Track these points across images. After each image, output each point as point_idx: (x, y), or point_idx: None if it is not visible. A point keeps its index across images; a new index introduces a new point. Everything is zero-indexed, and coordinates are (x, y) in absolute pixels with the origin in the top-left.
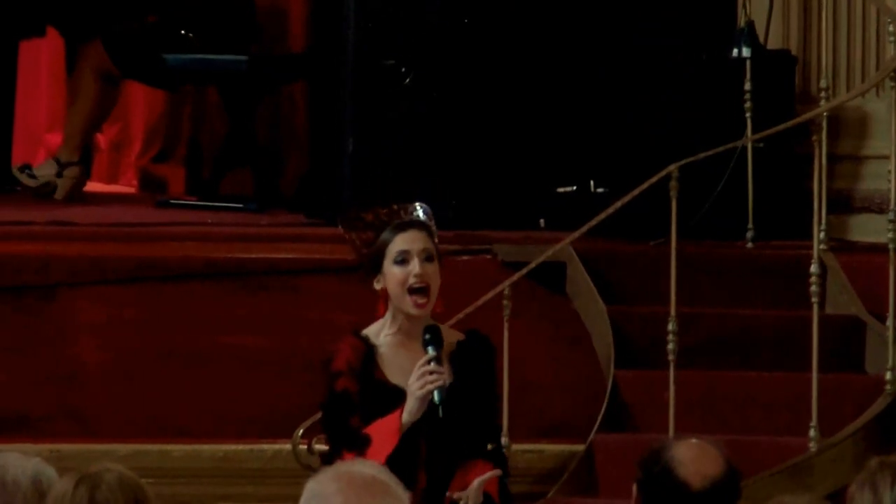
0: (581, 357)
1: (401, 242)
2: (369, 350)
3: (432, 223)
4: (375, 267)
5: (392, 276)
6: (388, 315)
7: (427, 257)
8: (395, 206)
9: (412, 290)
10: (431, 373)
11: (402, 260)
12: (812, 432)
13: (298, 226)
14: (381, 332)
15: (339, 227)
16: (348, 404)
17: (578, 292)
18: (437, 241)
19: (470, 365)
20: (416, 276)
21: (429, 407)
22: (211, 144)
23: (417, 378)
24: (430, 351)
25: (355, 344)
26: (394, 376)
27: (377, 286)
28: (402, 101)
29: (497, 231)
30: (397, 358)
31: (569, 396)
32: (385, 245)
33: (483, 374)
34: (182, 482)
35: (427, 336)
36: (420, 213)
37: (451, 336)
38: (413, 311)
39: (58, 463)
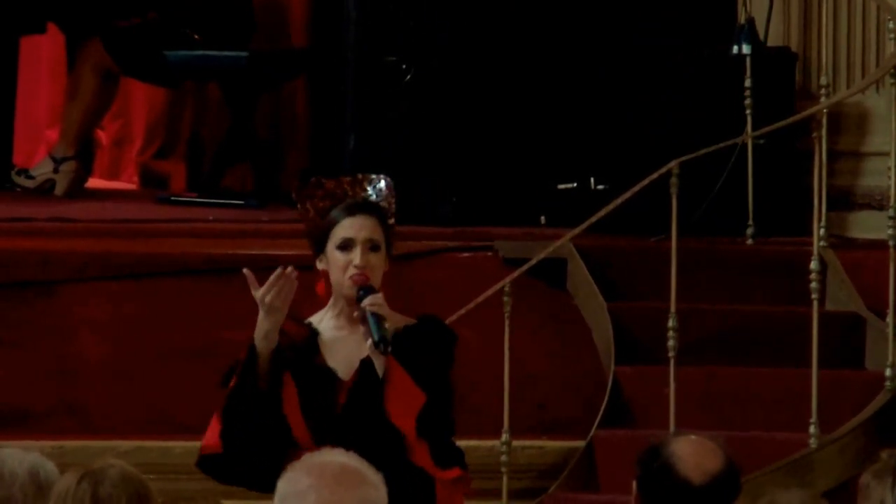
0: (581, 353)
1: (346, 227)
2: (311, 336)
3: (392, 201)
4: (320, 246)
5: (334, 260)
6: (331, 300)
7: (372, 247)
8: (360, 176)
9: (352, 280)
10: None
11: (346, 246)
12: (812, 428)
13: (299, 222)
14: (323, 318)
15: (293, 195)
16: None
17: (579, 289)
18: (392, 221)
19: (415, 349)
20: (356, 266)
21: (362, 375)
22: (212, 141)
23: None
24: (363, 298)
25: (297, 324)
26: (333, 360)
27: (319, 266)
28: (403, 97)
29: (498, 228)
30: (338, 342)
31: (569, 392)
32: (331, 226)
33: (432, 361)
34: (184, 478)
35: (361, 292)
36: (382, 185)
37: (398, 321)
38: (351, 293)
39: (59, 459)
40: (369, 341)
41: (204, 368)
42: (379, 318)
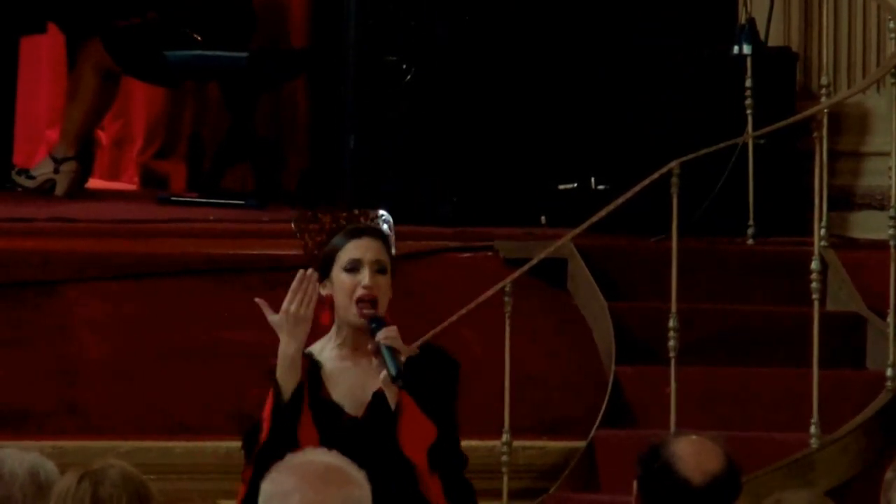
0: (582, 353)
1: (353, 250)
2: (313, 368)
3: (392, 234)
4: (324, 272)
5: (340, 283)
6: (333, 328)
7: (380, 269)
8: (357, 212)
9: (359, 301)
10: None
11: (353, 268)
12: (813, 428)
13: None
14: (325, 348)
15: (292, 225)
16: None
17: (579, 289)
18: (393, 253)
19: (422, 382)
20: (364, 287)
21: (374, 409)
22: (212, 141)
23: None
24: (376, 330)
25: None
26: (336, 393)
27: (323, 292)
28: (403, 97)
29: (498, 228)
30: (342, 374)
31: (570, 393)
32: (336, 250)
33: (439, 394)
34: (184, 479)
35: (374, 325)
36: (381, 221)
37: (405, 353)
38: (357, 321)
39: (59, 459)
40: (383, 374)
41: (204, 369)
42: (394, 352)
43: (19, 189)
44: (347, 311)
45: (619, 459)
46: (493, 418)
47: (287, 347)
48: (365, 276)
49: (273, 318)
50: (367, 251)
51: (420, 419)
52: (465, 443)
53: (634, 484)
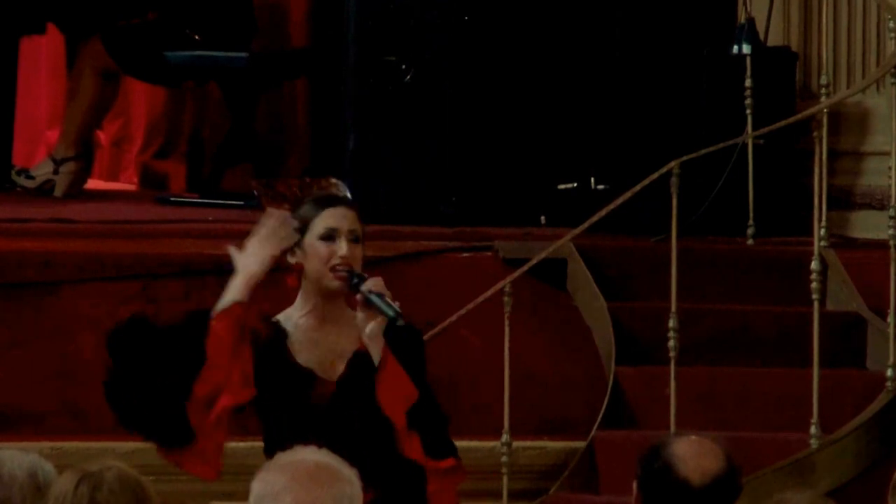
0: (582, 353)
1: (329, 218)
2: (279, 335)
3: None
4: (294, 241)
5: (315, 251)
6: (299, 299)
7: (354, 238)
8: (308, 180)
9: (335, 269)
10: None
11: (329, 237)
12: (813, 429)
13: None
14: (292, 315)
15: (254, 192)
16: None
17: (579, 289)
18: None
19: (401, 348)
20: (342, 256)
21: (354, 368)
22: (212, 141)
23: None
24: (358, 284)
25: (265, 326)
26: (304, 359)
27: (292, 260)
28: (403, 97)
29: (498, 228)
30: (311, 342)
31: (570, 393)
32: (309, 219)
33: (408, 361)
34: (183, 480)
35: (355, 280)
36: (342, 188)
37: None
38: (333, 284)
39: (58, 460)
40: (370, 327)
41: None
42: (384, 297)
43: (18, 189)
44: (322, 277)
45: (619, 460)
46: (493, 419)
47: (253, 264)
48: (342, 246)
49: (237, 252)
50: (344, 220)
51: (402, 377)
52: (464, 443)
53: (634, 484)
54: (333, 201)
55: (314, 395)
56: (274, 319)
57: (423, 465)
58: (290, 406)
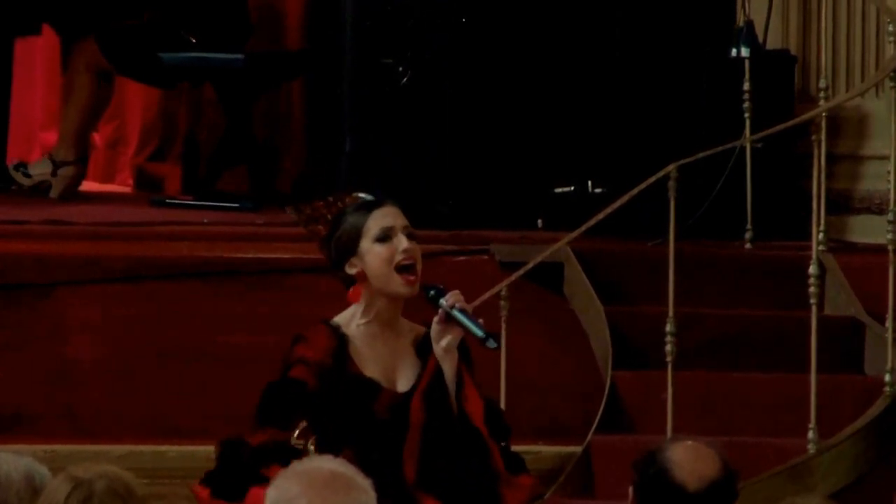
0: (579, 358)
1: (381, 219)
2: (341, 341)
3: None
4: (349, 251)
5: (375, 255)
6: (362, 302)
7: (409, 234)
8: (331, 198)
9: (400, 268)
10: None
11: (386, 236)
12: (811, 434)
13: (295, 225)
14: (352, 322)
15: (295, 218)
16: (298, 395)
17: (576, 292)
18: None
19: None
20: (404, 251)
21: (435, 381)
22: (207, 142)
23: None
24: (440, 300)
25: (328, 335)
26: (368, 369)
27: (351, 271)
28: (400, 100)
29: (494, 231)
30: (372, 350)
31: (566, 397)
32: (360, 225)
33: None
34: (177, 483)
35: (432, 292)
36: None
37: (414, 329)
38: (403, 289)
39: (51, 464)
40: (445, 341)
41: (198, 372)
42: (469, 313)
43: (14, 187)
44: (388, 281)
45: (616, 465)
46: None
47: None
48: (402, 241)
49: None
50: (396, 217)
51: (473, 390)
52: None
53: (630, 489)
54: (378, 203)
55: (377, 405)
56: (334, 322)
57: (506, 481)
58: (354, 417)
